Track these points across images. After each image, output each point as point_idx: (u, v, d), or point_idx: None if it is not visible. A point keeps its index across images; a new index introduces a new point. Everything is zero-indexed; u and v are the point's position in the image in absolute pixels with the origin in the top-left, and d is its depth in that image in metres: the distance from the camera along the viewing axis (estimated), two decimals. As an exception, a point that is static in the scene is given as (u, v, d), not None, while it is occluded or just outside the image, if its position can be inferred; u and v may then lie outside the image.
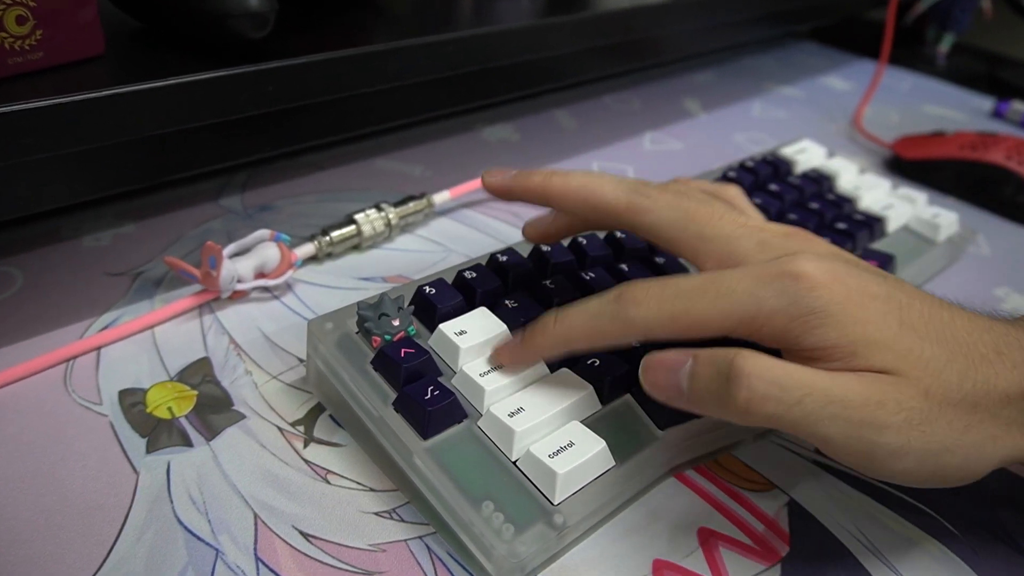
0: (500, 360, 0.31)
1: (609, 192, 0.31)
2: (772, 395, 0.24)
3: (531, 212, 0.49)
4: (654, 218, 0.30)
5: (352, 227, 0.42)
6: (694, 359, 0.26)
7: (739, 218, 0.30)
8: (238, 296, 0.38)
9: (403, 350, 0.30)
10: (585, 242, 0.38)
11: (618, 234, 0.40)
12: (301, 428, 0.32)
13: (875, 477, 0.26)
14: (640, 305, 0.27)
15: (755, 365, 0.25)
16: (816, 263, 0.26)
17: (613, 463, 0.29)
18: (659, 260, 0.39)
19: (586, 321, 0.28)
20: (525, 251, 0.38)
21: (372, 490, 0.30)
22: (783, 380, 0.25)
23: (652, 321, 0.27)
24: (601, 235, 0.40)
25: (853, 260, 0.29)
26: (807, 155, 0.55)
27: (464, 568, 0.28)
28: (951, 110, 0.78)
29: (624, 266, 0.37)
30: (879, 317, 0.26)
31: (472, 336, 0.32)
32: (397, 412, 0.29)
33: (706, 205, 0.30)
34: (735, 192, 0.35)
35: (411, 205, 0.45)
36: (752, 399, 0.25)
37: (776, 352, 0.26)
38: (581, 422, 0.30)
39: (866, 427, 0.24)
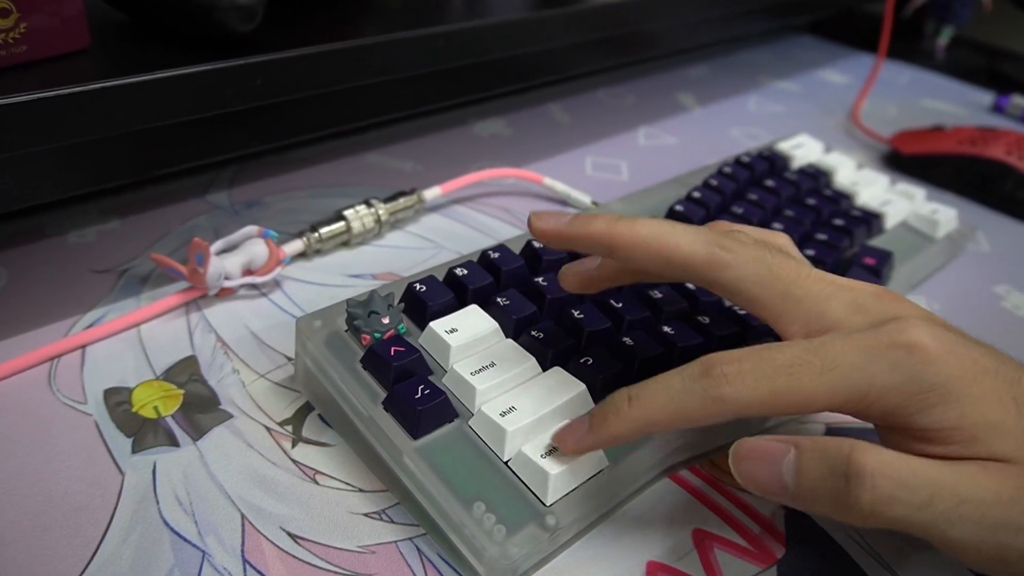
0: (565, 449, 0.28)
1: (685, 244, 0.28)
2: (900, 497, 0.22)
3: (527, 209, 0.49)
4: (737, 275, 0.27)
5: (341, 223, 0.42)
6: (798, 450, 0.24)
7: (827, 276, 0.28)
8: (225, 293, 0.38)
9: (393, 348, 0.30)
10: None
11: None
12: (289, 428, 0.32)
13: None
14: (734, 383, 0.24)
15: (878, 462, 0.22)
16: (929, 332, 0.24)
17: (606, 463, 0.29)
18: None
19: (669, 403, 0.25)
20: (517, 248, 0.38)
21: (361, 491, 0.30)
22: (910, 479, 0.22)
23: (749, 399, 0.24)
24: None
25: (953, 328, 0.27)
26: (804, 150, 0.54)
27: (455, 570, 0.27)
28: (950, 104, 0.78)
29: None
30: (995, 396, 0.24)
31: (463, 334, 0.31)
32: (387, 411, 0.29)
33: (787, 262, 0.28)
34: (785, 241, 0.32)
35: (401, 201, 0.44)
36: (878, 501, 0.22)
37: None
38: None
39: (1001, 530, 0.22)
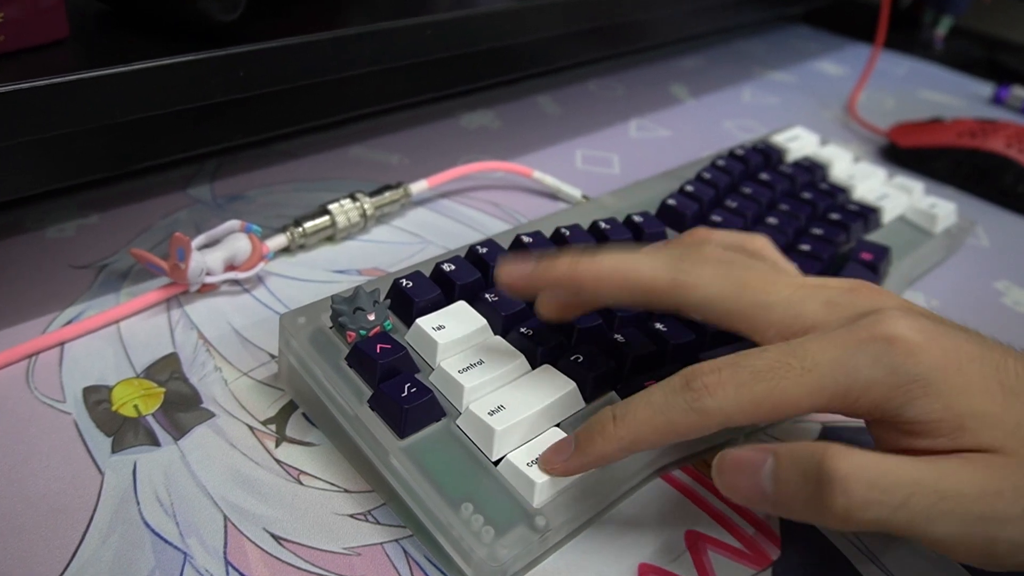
0: (551, 471, 0.27)
1: (647, 271, 0.28)
2: (874, 499, 0.22)
3: (516, 203, 0.48)
4: (704, 293, 0.28)
5: (326, 218, 0.41)
6: (775, 458, 0.24)
7: (795, 279, 0.28)
8: (207, 289, 0.38)
9: (379, 346, 0.30)
10: (568, 233, 0.38)
11: (601, 224, 0.39)
12: (273, 427, 0.32)
13: (992, 570, 0.24)
14: (715, 393, 0.24)
15: (850, 465, 0.22)
16: (907, 323, 0.24)
17: (597, 463, 0.29)
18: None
19: (653, 417, 0.25)
20: (505, 243, 0.37)
21: (346, 491, 0.29)
22: (884, 480, 0.22)
23: (732, 409, 0.24)
24: (585, 226, 0.39)
25: (934, 315, 0.27)
26: (799, 143, 0.54)
27: (442, 572, 0.27)
28: (949, 96, 0.78)
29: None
30: (981, 384, 0.24)
31: (451, 331, 0.31)
32: (372, 410, 0.29)
33: (754, 270, 0.28)
34: (763, 243, 0.32)
35: (387, 195, 0.44)
36: (852, 506, 0.22)
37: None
38: (564, 421, 0.30)
39: (985, 522, 0.22)
